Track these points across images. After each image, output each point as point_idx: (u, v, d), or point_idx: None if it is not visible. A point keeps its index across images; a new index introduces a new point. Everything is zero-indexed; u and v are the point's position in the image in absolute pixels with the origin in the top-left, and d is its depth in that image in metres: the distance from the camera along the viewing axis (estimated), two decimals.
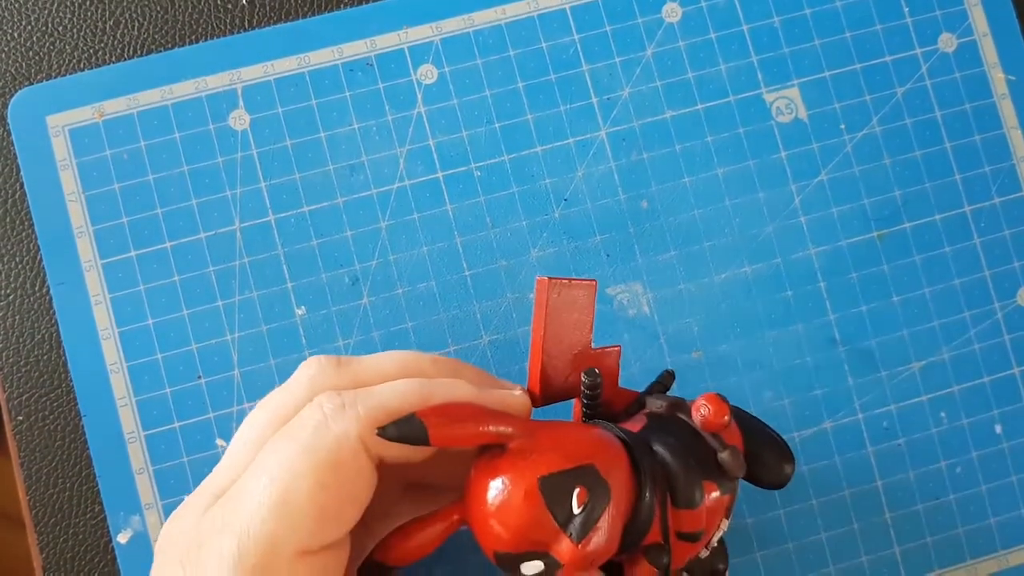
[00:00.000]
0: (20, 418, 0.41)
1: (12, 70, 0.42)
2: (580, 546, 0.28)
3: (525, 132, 0.42)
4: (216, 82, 0.42)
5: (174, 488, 0.40)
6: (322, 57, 0.42)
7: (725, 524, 0.33)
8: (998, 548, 0.42)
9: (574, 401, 0.35)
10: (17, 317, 0.41)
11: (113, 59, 0.42)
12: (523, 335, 0.41)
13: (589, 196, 0.42)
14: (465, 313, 0.42)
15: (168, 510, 0.40)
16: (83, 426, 0.40)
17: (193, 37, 0.42)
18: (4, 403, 0.41)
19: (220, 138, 0.42)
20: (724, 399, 0.31)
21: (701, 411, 0.31)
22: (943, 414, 0.42)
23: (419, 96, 0.43)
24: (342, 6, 0.43)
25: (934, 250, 0.43)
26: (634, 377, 0.41)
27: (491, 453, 0.30)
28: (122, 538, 0.40)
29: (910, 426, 0.42)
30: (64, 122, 0.41)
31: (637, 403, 0.35)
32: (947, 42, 0.44)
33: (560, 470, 0.28)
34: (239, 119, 0.42)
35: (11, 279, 0.41)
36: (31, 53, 0.42)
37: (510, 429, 0.29)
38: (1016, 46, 0.44)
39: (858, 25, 0.44)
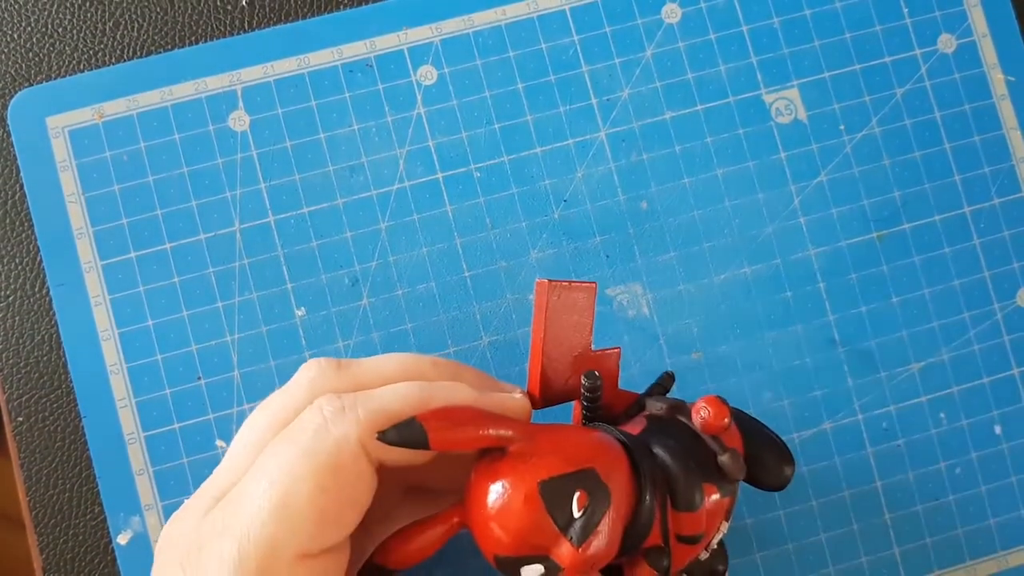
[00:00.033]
0: (20, 419, 0.41)
1: (12, 71, 0.42)
2: (580, 550, 0.28)
3: (525, 133, 0.42)
4: (216, 83, 0.42)
5: (174, 489, 0.40)
6: (322, 58, 0.42)
7: (725, 526, 0.33)
8: (998, 549, 0.42)
9: (574, 403, 0.35)
10: (17, 318, 0.41)
11: (113, 60, 0.42)
12: (523, 336, 0.42)
13: (589, 197, 0.42)
14: (465, 314, 0.42)
15: (168, 511, 0.40)
16: (83, 427, 0.40)
17: (193, 38, 0.42)
18: (4, 404, 0.41)
19: (220, 139, 0.42)
20: (724, 401, 0.31)
21: (701, 413, 0.31)
22: (943, 415, 0.42)
23: (419, 97, 0.42)
24: (342, 7, 0.43)
25: (934, 251, 0.43)
26: (634, 378, 0.41)
27: (491, 456, 0.30)
28: (122, 539, 0.40)
29: (910, 427, 0.42)
30: (64, 123, 0.41)
31: (637, 405, 0.35)
32: (947, 43, 0.44)
33: (560, 474, 0.28)
34: (239, 120, 0.42)
35: (11, 280, 0.41)
36: (31, 54, 0.42)
37: (510, 433, 0.29)
38: (1015, 47, 0.44)
39: (858, 26, 0.44)
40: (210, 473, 0.32)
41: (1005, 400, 0.43)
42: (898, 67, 0.44)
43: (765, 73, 0.44)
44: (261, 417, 0.32)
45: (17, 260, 0.41)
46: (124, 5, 0.42)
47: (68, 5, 0.42)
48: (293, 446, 0.29)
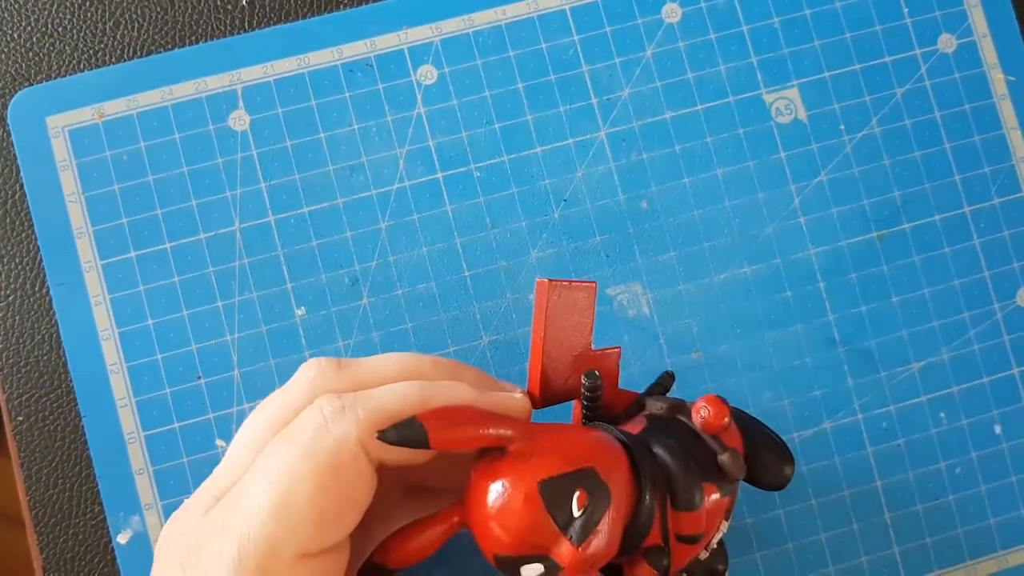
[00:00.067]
0: (20, 418, 0.41)
1: (12, 71, 0.42)
2: (580, 549, 0.28)
3: (525, 133, 0.42)
4: (216, 83, 0.42)
5: (174, 488, 0.40)
6: (322, 58, 0.42)
7: (725, 526, 0.33)
8: (997, 548, 0.42)
9: (574, 403, 0.35)
10: (17, 318, 0.41)
11: (113, 60, 0.42)
12: (523, 336, 0.42)
13: (589, 197, 0.42)
14: (465, 314, 0.42)
15: (168, 510, 0.40)
16: (83, 426, 0.40)
17: (193, 38, 0.42)
18: (4, 404, 0.41)
19: (220, 139, 0.42)
20: (724, 401, 0.31)
21: (701, 413, 0.31)
22: (943, 414, 0.42)
23: (419, 97, 0.42)
24: (342, 7, 0.43)
25: (934, 251, 0.43)
26: (634, 378, 0.41)
27: (491, 456, 0.30)
28: (122, 538, 0.40)
29: (910, 426, 0.42)
30: (64, 123, 0.41)
31: (637, 405, 0.35)
32: (947, 43, 0.44)
33: (560, 473, 0.28)
34: (239, 120, 0.42)
35: (11, 280, 0.41)
36: (31, 54, 0.42)
37: (510, 432, 0.29)
38: (1016, 47, 0.44)
39: (858, 26, 0.44)
40: (210, 472, 0.32)
41: (1005, 400, 0.43)
42: (898, 67, 0.44)
43: (765, 73, 0.44)
44: (261, 417, 0.32)
45: (17, 260, 0.41)
46: (124, 5, 0.42)
47: (68, 5, 0.42)
48: (293, 446, 0.29)
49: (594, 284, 0.33)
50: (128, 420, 0.40)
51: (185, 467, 0.40)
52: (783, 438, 0.35)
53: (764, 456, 0.34)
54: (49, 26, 0.42)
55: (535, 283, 0.34)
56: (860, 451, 0.42)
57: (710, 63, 0.43)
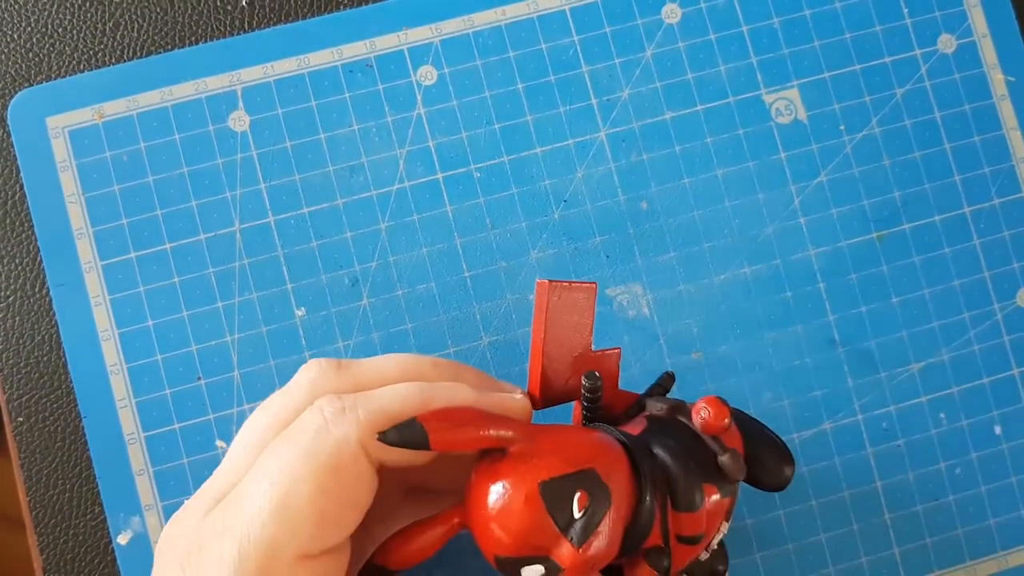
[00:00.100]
0: (20, 419, 0.41)
1: (12, 71, 0.42)
2: (581, 550, 0.28)
3: (525, 133, 0.42)
4: (216, 83, 0.42)
5: (174, 489, 0.40)
6: (322, 58, 0.42)
7: (725, 527, 0.33)
8: (997, 549, 0.42)
9: (574, 404, 0.35)
10: (17, 318, 0.41)
11: (113, 61, 0.42)
12: (523, 336, 0.42)
13: (589, 197, 0.42)
14: (465, 314, 0.42)
15: (168, 511, 0.40)
16: (83, 427, 0.40)
17: (193, 38, 0.42)
18: (4, 404, 0.41)
19: (220, 139, 0.42)
20: (724, 402, 0.31)
21: (701, 414, 0.31)
22: (943, 415, 0.42)
23: (419, 97, 0.42)
24: (342, 7, 0.43)
25: (933, 251, 0.43)
26: (634, 378, 0.41)
27: (492, 457, 0.30)
28: (122, 539, 0.40)
29: (910, 427, 0.42)
30: (64, 123, 0.41)
31: (637, 406, 0.35)
32: (946, 43, 0.44)
33: (561, 474, 0.28)
34: (239, 120, 0.42)
35: (11, 280, 0.41)
36: (31, 54, 0.42)
37: (511, 433, 0.29)
38: (1016, 47, 0.44)
39: (858, 26, 0.44)
40: (210, 473, 0.32)
41: (1005, 400, 0.43)
42: (898, 67, 0.44)
43: (765, 73, 0.44)
44: (261, 418, 0.32)
45: (17, 260, 0.41)
46: (124, 5, 0.42)
47: (68, 5, 0.42)
48: (293, 447, 0.29)
49: (594, 285, 0.33)
50: (128, 421, 0.40)
51: (185, 468, 0.40)
52: (783, 439, 0.35)
53: (764, 457, 0.34)
54: (49, 26, 0.42)
55: (535, 284, 0.34)
56: (860, 452, 0.42)
57: (710, 63, 0.43)
